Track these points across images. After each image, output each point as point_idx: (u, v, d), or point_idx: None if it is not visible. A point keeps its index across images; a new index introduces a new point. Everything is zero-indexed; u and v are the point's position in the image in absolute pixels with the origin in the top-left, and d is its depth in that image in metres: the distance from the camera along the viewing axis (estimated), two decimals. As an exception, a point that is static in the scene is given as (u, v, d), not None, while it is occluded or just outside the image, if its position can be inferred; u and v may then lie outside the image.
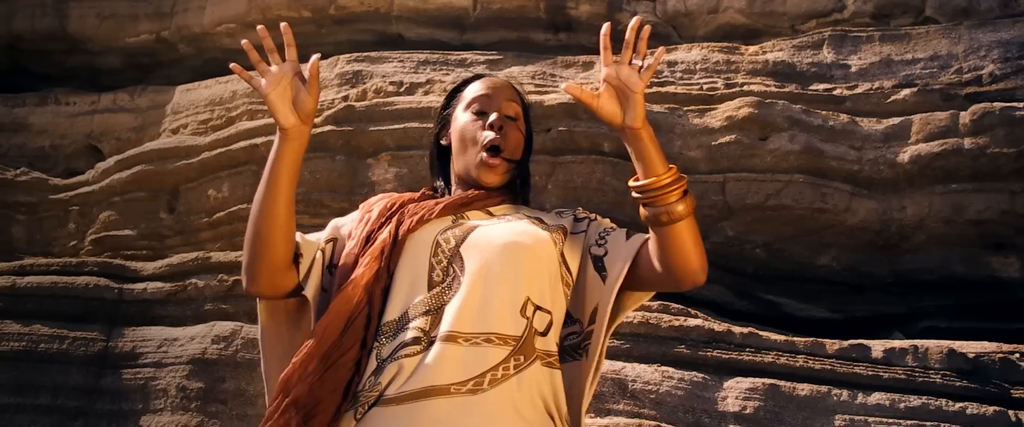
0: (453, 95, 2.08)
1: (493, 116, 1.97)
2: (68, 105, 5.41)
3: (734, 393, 3.11)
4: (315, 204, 4.13)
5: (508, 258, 1.81)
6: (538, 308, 1.82)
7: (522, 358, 1.77)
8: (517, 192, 2.07)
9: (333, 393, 1.75)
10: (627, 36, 1.81)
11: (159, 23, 5.52)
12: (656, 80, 4.07)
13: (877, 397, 3.04)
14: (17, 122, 5.43)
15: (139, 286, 3.97)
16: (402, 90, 4.39)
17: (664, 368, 3.20)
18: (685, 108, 3.87)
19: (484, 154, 1.96)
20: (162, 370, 3.66)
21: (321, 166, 4.15)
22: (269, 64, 1.90)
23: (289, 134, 1.87)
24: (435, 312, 1.77)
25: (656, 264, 1.82)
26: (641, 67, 1.82)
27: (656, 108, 3.87)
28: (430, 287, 1.79)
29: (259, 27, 1.89)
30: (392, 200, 2.00)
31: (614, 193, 3.86)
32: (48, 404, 3.71)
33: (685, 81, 4.06)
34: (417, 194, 2.04)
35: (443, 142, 2.07)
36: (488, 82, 2.04)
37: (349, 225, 2.00)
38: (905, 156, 3.64)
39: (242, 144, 4.35)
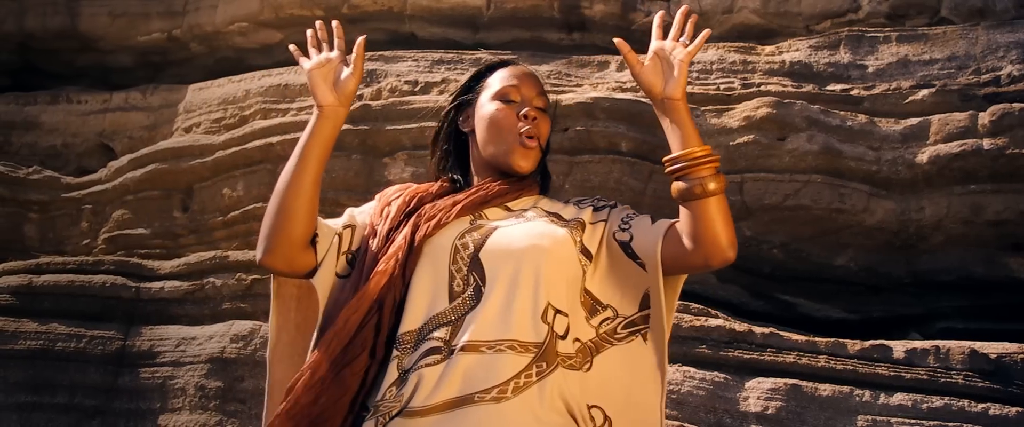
0: (477, 80, 2.06)
1: (527, 108, 1.96)
2: (80, 103, 5.41)
3: (756, 393, 3.12)
4: (331, 203, 4.12)
5: (528, 263, 1.79)
6: (558, 312, 1.81)
7: (544, 365, 1.76)
8: (537, 184, 2.06)
9: (339, 403, 1.74)
10: (676, 20, 1.90)
11: (171, 22, 5.51)
12: (673, 80, 4.07)
13: (899, 398, 3.04)
14: (29, 120, 5.42)
15: (156, 285, 3.96)
16: (417, 89, 4.39)
17: (685, 368, 3.20)
18: (702, 108, 3.86)
19: (524, 138, 1.94)
20: (180, 369, 3.66)
21: (337, 165, 4.15)
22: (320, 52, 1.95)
23: (325, 112, 1.89)
24: (456, 322, 1.75)
25: (685, 242, 1.81)
26: (688, 44, 1.89)
27: (674, 108, 3.86)
28: (451, 298, 1.78)
29: (317, 22, 1.95)
30: (410, 195, 1.97)
31: (631, 193, 3.86)
32: (65, 403, 3.70)
33: (702, 81, 4.06)
34: (435, 186, 2.02)
35: (463, 127, 2.04)
36: (517, 71, 2.02)
37: (367, 215, 1.98)
38: (924, 157, 3.64)
39: (257, 143, 4.35)
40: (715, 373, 3.18)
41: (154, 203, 4.65)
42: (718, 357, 3.22)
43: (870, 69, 3.99)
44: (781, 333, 3.27)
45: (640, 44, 4.99)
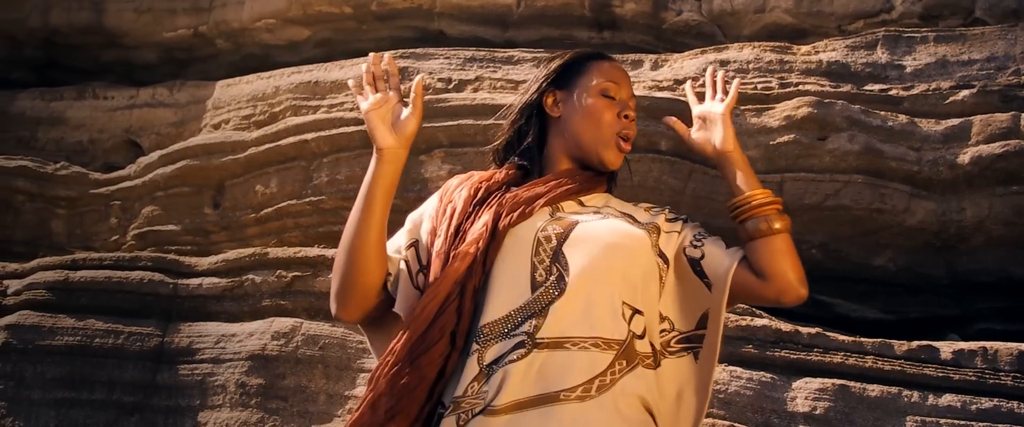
0: (572, 67, 2.06)
1: (628, 110, 1.99)
2: (106, 99, 5.40)
3: (803, 393, 3.11)
4: (367, 200, 4.12)
5: (611, 260, 1.81)
6: (636, 312, 1.82)
7: (625, 363, 1.77)
8: (606, 182, 2.07)
9: (416, 390, 1.73)
10: (707, 81, 2.14)
11: (197, 18, 5.50)
12: (709, 79, 4.07)
13: (948, 398, 3.03)
14: (55, 116, 5.42)
15: (194, 281, 3.95)
16: (451, 87, 4.38)
17: (731, 368, 3.20)
18: (742, 107, 3.86)
19: (620, 140, 1.98)
20: (220, 366, 3.64)
21: (373, 162, 4.13)
22: (377, 91, 1.94)
23: (385, 156, 1.87)
24: (540, 314, 1.75)
25: (755, 277, 1.87)
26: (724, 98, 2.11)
27: (712, 107, 3.86)
28: (534, 288, 1.78)
29: (371, 55, 1.95)
30: (475, 186, 1.96)
31: (671, 192, 3.85)
32: (104, 399, 3.69)
33: (738, 80, 4.04)
34: (501, 173, 2.00)
35: (553, 112, 2.03)
36: (616, 68, 2.05)
37: (429, 218, 1.97)
38: (965, 158, 3.63)
39: (291, 140, 4.34)
40: (762, 373, 3.17)
41: (184, 199, 4.64)
42: (764, 357, 3.22)
43: (908, 69, 3.98)
44: (827, 333, 3.27)
45: (671, 43, 4.96)
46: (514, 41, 4.99)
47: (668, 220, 1.98)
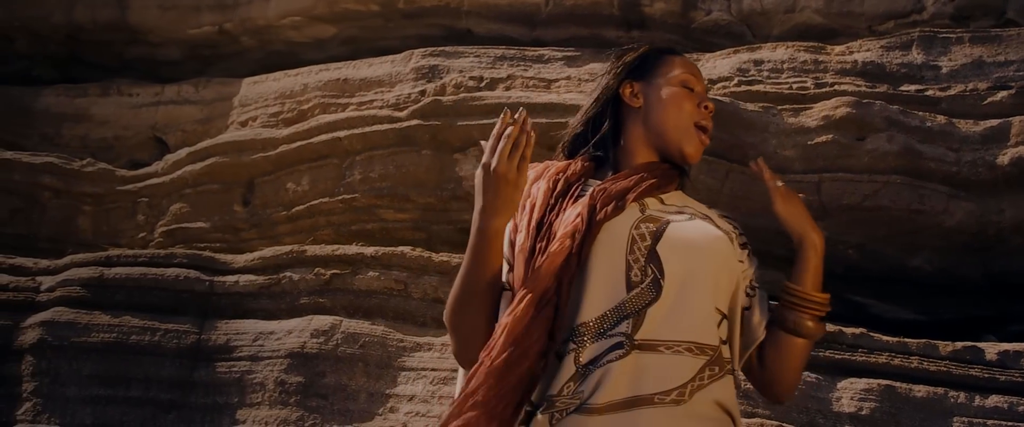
0: (648, 59, 2.05)
1: (707, 101, 2.00)
2: (131, 96, 5.40)
3: (849, 394, 3.11)
4: (401, 198, 4.12)
5: (704, 263, 1.81)
6: (724, 317, 1.84)
7: (716, 369, 1.78)
8: (679, 178, 2.08)
9: (516, 389, 1.70)
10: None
11: (222, 15, 5.49)
12: (744, 78, 4.06)
13: (995, 400, 3.03)
14: (79, 113, 5.42)
15: (230, 279, 3.94)
16: (483, 85, 4.37)
17: (776, 368, 3.19)
18: (779, 107, 3.85)
19: (700, 131, 1.98)
20: (259, 364, 3.63)
21: (407, 160, 4.13)
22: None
23: (498, 228, 1.81)
24: (636, 315, 1.74)
25: (757, 358, 1.95)
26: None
27: (749, 107, 3.85)
28: (629, 288, 1.76)
29: (506, 110, 1.83)
30: (553, 177, 1.93)
31: (708, 191, 3.85)
32: (140, 396, 3.68)
33: (773, 80, 4.04)
34: (578, 165, 1.98)
35: (632, 103, 2.01)
36: (692, 64, 2.07)
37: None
38: (1005, 159, 3.63)
39: (323, 137, 4.33)
40: (807, 373, 3.17)
41: (214, 197, 4.63)
42: (809, 357, 3.21)
43: (944, 70, 3.98)
44: (871, 334, 3.27)
45: (700, 42, 4.96)
46: (542, 40, 4.98)
47: (740, 244, 1.99)
